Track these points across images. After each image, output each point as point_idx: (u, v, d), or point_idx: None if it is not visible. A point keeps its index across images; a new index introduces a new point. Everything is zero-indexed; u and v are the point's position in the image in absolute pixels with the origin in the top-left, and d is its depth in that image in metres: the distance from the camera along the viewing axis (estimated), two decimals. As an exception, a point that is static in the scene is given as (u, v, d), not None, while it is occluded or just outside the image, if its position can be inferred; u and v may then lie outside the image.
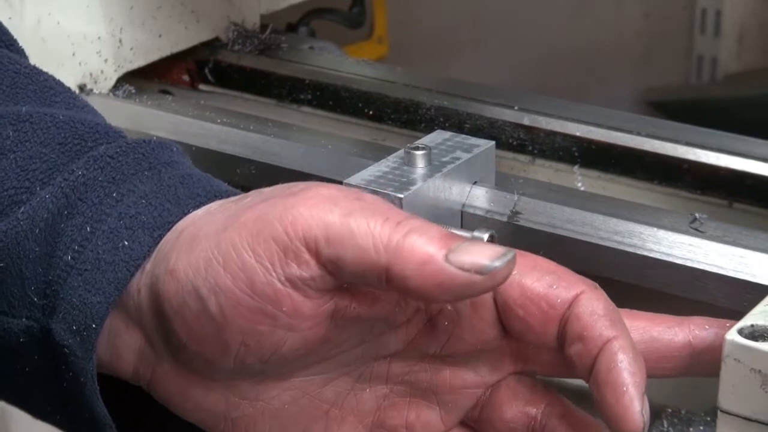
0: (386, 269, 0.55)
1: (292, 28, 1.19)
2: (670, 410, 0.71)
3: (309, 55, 1.07)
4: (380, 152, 0.83)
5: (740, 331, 0.55)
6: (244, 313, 0.57)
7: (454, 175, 0.77)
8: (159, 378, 0.61)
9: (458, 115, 0.94)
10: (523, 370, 0.62)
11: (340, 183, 0.75)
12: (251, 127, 0.90)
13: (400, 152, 0.77)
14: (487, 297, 0.58)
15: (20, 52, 0.75)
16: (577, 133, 0.91)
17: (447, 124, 0.94)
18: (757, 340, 0.55)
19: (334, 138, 0.90)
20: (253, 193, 0.60)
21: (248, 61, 1.05)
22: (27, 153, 0.64)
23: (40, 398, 0.64)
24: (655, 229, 0.74)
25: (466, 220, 0.78)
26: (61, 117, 0.65)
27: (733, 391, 0.55)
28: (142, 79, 1.01)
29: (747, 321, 0.56)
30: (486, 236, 0.75)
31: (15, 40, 0.75)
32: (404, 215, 0.56)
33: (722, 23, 2.12)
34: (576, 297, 0.57)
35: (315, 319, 0.57)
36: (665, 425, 0.71)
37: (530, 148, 0.93)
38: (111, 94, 0.98)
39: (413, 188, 0.74)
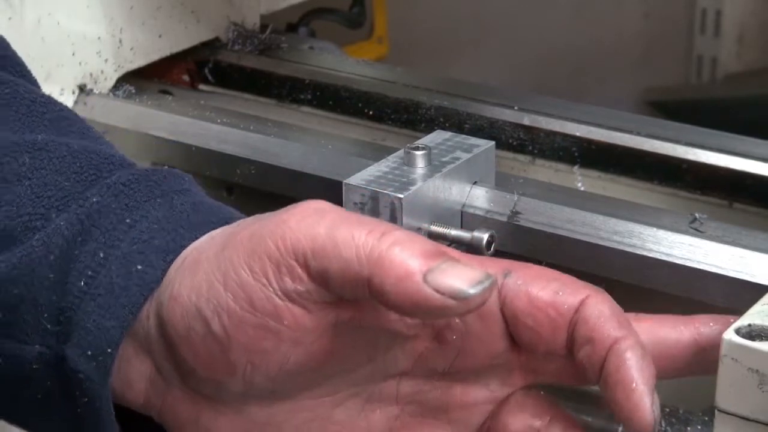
0: (368, 281, 0.55)
1: (292, 28, 1.19)
2: (667, 410, 0.71)
3: (309, 55, 1.07)
4: (380, 152, 0.83)
5: (738, 331, 0.55)
6: (247, 330, 0.57)
7: (454, 175, 0.77)
8: (170, 406, 0.61)
9: (458, 115, 0.94)
10: (533, 383, 0.61)
11: (340, 183, 0.75)
12: (251, 127, 0.90)
13: (400, 152, 0.77)
14: (495, 308, 0.58)
15: (34, 83, 0.75)
16: (577, 133, 0.91)
17: (447, 124, 0.94)
18: (754, 340, 0.55)
19: (334, 138, 0.90)
20: (253, 216, 0.61)
21: (248, 61, 1.05)
22: (42, 180, 0.64)
23: (53, 424, 0.63)
24: (655, 229, 0.74)
25: (466, 220, 0.78)
26: (76, 146, 0.66)
27: (730, 391, 0.55)
28: (142, 79, 1.01)
29: (744, 320, 0.56)
30: (486, 236, 0.75)
31: (29, 72, 0.75)
32: (391, 227, 0.56)
33: (722, 23, 2.12)
34: (582, 301, 0.57)
35: (317, 332, 0.57)
36: (663, 425, 0.71)
37: (530, 148, 0.93)
38: (111, 94, 0.98)
39: (413, 188, 0.74)
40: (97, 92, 0.97)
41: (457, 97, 0.96)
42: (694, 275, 0.72)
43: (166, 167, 0.67)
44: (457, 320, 0.59)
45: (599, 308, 0.57)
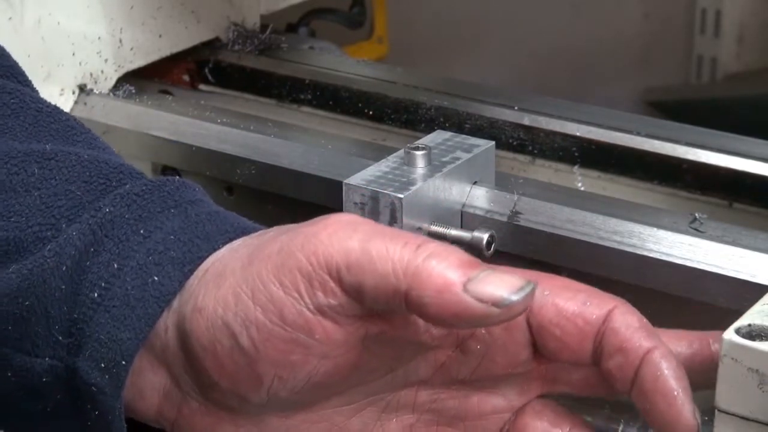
0: (405, 294, 0.54)
1: (292, 28, 1.19)
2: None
3: (309, 55, 1.07)
4: (380, 152, 0.83)
5: (737, 331, 0.55)
6: (277, 344, 0.57)
7: (454, 175, 0.77)
8: (186, 418, 0.61)
9: (458, 115, 0.94)
10: (551, 392, 0.62)
11: (340, 183, 0.75)
12: (251, 127, 0.90)
13: (400, 152, 0.77)
14: (521, 318, 0.58)
15: (35, 92, 0.75)
16: (577, 133, 0.91)
17: (447, 124, 0.94)
18: (754, 340, 0.55)
19: (334, 138, 0.90)
20: (275, 228, 0.60)
21: (248, 61, 1.05)
22: (52, 190, 0.64)
23: None
24: (655, 229, 0.74)
25: (466, 220, 0.78)
26: (85, 156, 0.65)
27: (730, 391, 0.55)
28: (142, 79, 1.01)
29: (744, 320, 0.56)
30: (486, 236, 0.75)
31: (30, 82, 0.75)
32: (425, 239, 0.56)
33: (722, 23, 2.12)
34: (610, 312, 0.58)
35: (347, 345, 0.57)
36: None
37: (530, 148, 0.93)
38: (111, 94, 0.98)
39: (413, 188, 0.74)
40: (97, 92, 0.97)
41: (457, 97, 0.96)
42: (694, 275, 0.72)
43: (177, 177, 0.66)
44: (483, 330, 0.59)
45: (628, 319, 0.57)
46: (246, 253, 0.59)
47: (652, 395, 0.56)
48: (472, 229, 0.76)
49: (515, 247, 0.78)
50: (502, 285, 0.54)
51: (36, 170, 0.64)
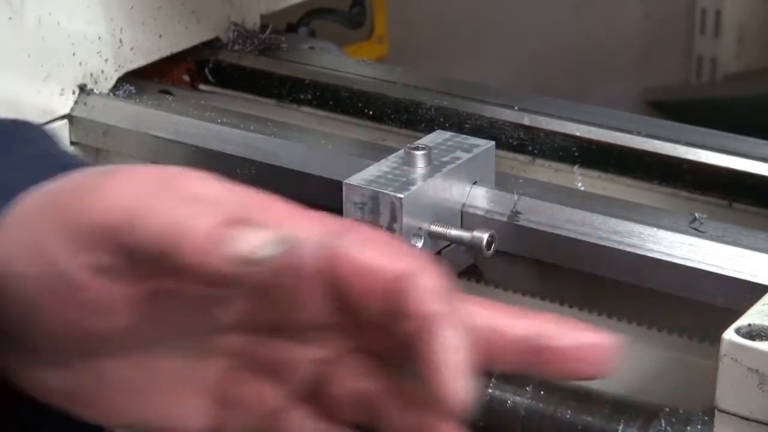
0: (169, 256, 0.53)
1: (292, 28, 1.19)
2: (667, 409, 0.70)
3: (309, 55, 1.07)
4: (380, 152, 0.83)
5: (737, 331, 0.55)
6: (51, 300, 0.56)
7: (454, 175, 0.77)
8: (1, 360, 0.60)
9: (458, 115, 0.94)
10: (362, 348, 0.59)
11: (340, 183, 0.75)
12: (251, 127, 0.90)
13: (400, 152, 0.77)
14: (313, 270, 0.56)
15: None
16: (577, 133, 0.91)
17: (447, 124, 0.94)
18: (754, 340, 0.55)
19: (334, 138, 0.90)
20: (80, 174, 0.59)
21: (248, 61, 1.05)
22: None
23: None
24: (655, 229, 0.74)
25: (466, 220, 0.78)
26: None
27: (730, 391, 0.55)
28: (143, 79, 1.01)
29: (744, 320, 0.56)
30: (486, 236, 0.76)
31: None
32: (201, 196, 0.55)
33: (722, 23, 2.12)
34: (404, 272, 0.54)
35: (130, 303, 0.56)
36: (663, 424, 0.71)
37: (530, 148, 0.93)
38: (111, 94, 0.98)
39: (413, 188, 0.74)
40: (97, 92, 0.97)
41: (457, 97, 0.96)
42: (694, 275, 0.72)
43: (22, 119, 0.65)
44: (278, 281, 0.56)
45: (422, 281, 0.53)
46: (48, 200, 0.57)
47: (424, 363, 0.52)
48: (472, 229, 0.76)
49: (515, 247, 0.78)
50: (254, 241, 0.53)
51: None
